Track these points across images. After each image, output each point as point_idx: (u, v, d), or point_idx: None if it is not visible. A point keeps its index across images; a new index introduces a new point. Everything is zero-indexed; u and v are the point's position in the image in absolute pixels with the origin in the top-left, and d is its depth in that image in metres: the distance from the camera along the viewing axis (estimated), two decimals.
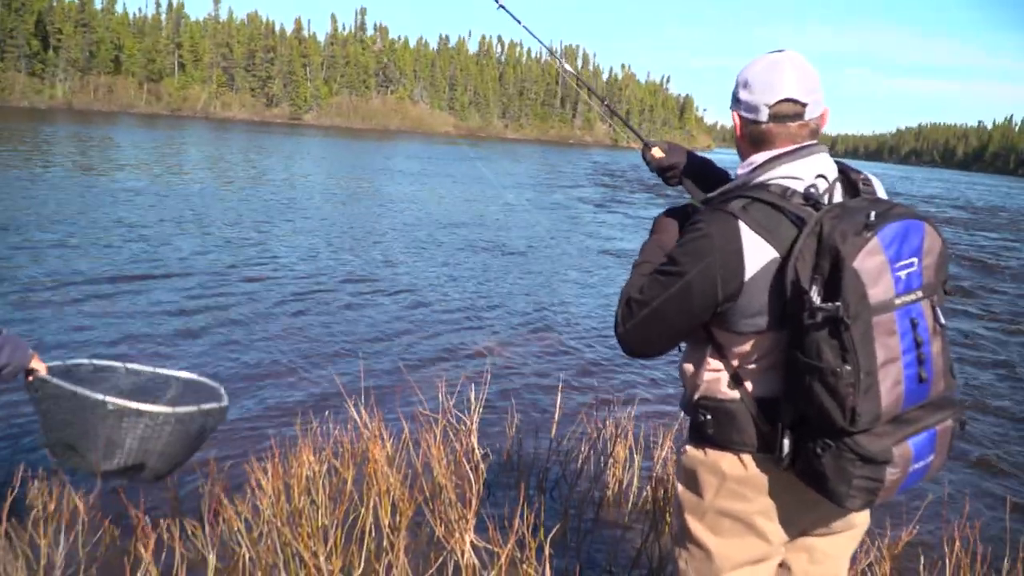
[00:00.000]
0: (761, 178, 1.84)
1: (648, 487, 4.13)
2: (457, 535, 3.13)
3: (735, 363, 1.88)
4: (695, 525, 1.98)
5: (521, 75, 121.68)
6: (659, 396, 6.32)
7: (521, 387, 6.30)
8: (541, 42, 2.87)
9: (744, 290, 1.77)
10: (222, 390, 3.39)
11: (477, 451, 4.20)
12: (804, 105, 1.84)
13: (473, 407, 4.41)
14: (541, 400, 5.96)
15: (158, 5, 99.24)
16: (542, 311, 9.40)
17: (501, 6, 2.91)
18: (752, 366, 1.86)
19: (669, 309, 1.85)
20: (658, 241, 2.09)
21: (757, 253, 1.76)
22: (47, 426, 2.96)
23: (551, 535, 3.14)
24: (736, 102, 1.92)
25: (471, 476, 3.64)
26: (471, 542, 3.08)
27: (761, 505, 1.90)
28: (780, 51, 1.89)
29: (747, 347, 1.85)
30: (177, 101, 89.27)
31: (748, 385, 1.87)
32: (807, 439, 1.75)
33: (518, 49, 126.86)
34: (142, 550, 2.86)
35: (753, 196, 1.80)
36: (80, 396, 2.83)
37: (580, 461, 4.36)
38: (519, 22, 2.93)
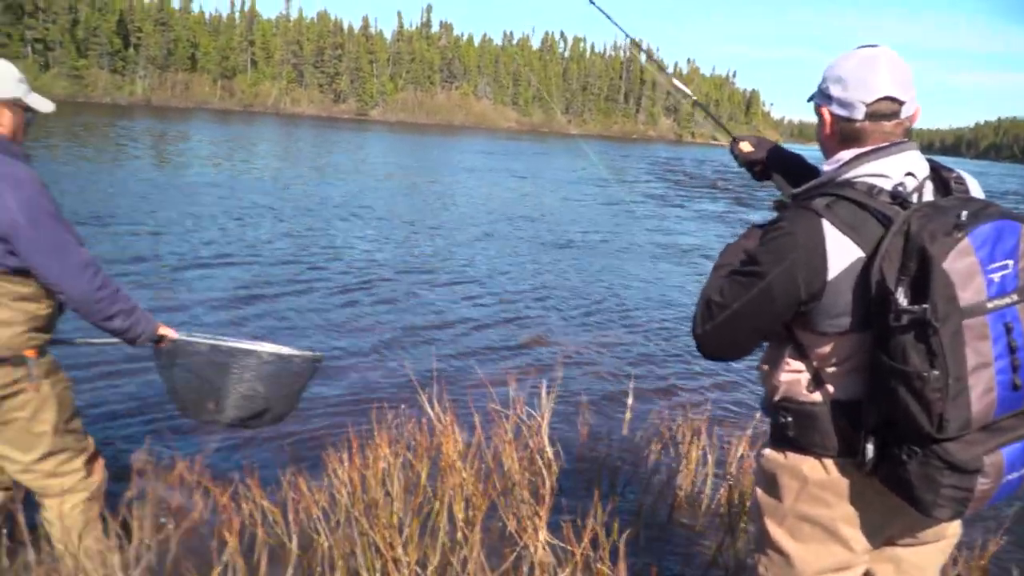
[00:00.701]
0: (847, 175, 1.80)
1: (722, 489, 4.08)
2: (530, 531, 3.14)
3: (817, 364, 1.84)
4: (775, 530, 1.95)
5: (585, 70, 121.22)
6: (732, 397, 6.23)
7: (591, 384, 6.28)
8: (628, 35, 2.85)
9: (827, 290, 1.73)
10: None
11: (548, 448, 4.20)
12: (901, 103, 1.79)
13: (544, 403, 4.42)
14: (612, 397, 5.92)
15: (232, 4, 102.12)
16: (610, 307, 9.35)
17: (592, 2, 2.89)
18: (835, 368, 1.82)
19: (750, 311, 1.81)
20: (741, 245, 2.04)
21: (841, 252, 1.72)
22: (181, 388, 3.20)
23: (625, 535, 3.12)
24: (827, 98, 1.87)
25: (544, 473, 3.64)
26: (545, 539, 3.08)
27: (844, 511, 1.85)
28: (873, 46, 1.83)
29: (830, 348, 1.80)
30: (249, 97, 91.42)
31: (830, 387, 1.83)
32: (892, 444, 1.70)
33: (582, 44, 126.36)
34: (226, 533, 2.94)
35: (838, 194, 1.76)
36: (222, 348, 3.11)
37: (652, 461, 4.33)
38: (610, 18, 2.90)
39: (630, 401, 4.69)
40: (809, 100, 2.00)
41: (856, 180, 1.78)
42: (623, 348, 7.60)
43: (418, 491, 3.43)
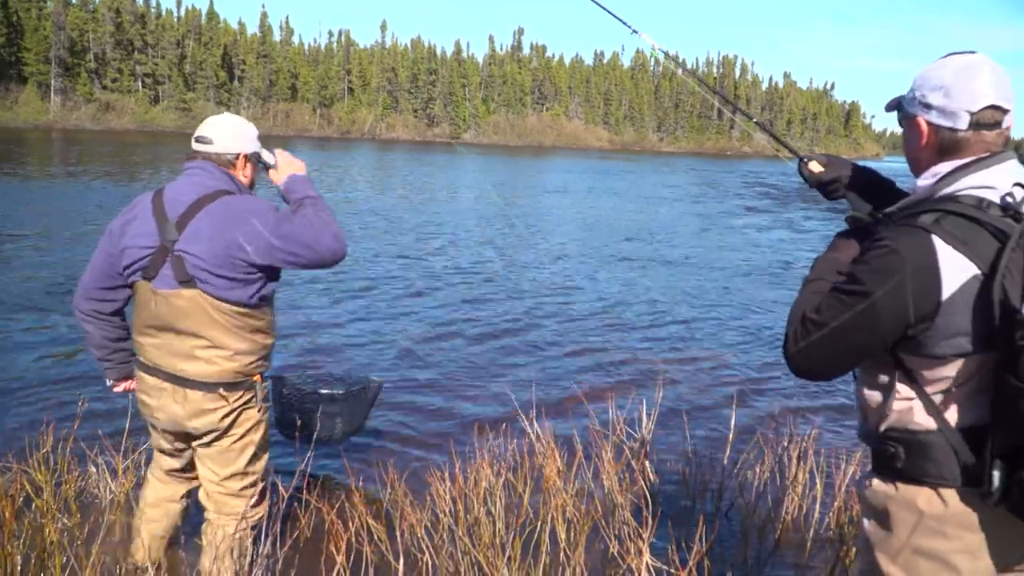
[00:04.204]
0: (948, 189, 1.72)
1: (831, 513, 3.94)
2: (634, 554, 3.09)
3: (930, 389, 1.75)
4: (888, 566, 1.85)
5: (677, 88, 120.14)
6: (839, 417, 6.01)
7: (692, 403, 6.17)
8: (686, 69, 2.79)
9: (942, 310, 1.65)
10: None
11: (650, 469, 4.15)
12: (1005, 112, 1.73)
13: (645, 424, 4.37)
14: (714, 418, 5.81)
15: (330, 35, 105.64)
16: (708, 323, 9.19)
17: (635, 31, 2.86)
18: (951, 392, 1.73)
19: (850, 330, 1.73)
20: (834, 259, 1.98)
21: (956, 270, 1.64)
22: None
23: (732, 559, 3.05)
24: (925, 108, 1.78)
25: (646, 494, 3.60)
26: (649, 562, 3.04)
27: (963, 543, 1.75)
28: (970, 53, 1.76)
29: (946, 371, 1.71)
30: (346, 124, 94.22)
31: (947, 413, 1.74)
32: (1022, 471, 1.60)
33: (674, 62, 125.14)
34: (334, 551, 3.00)
35: (944, 209, 1.69)
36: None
37: (757, 483, 4.21)
38: (658, 48, 2.85)
39: (732, 421, 4.58)
40: (890, 110, 1.93)
41: (960, 194, 1.70)
42: (724, 366, 7.45)
43: (520, 511, 3.43)
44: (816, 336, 1.77)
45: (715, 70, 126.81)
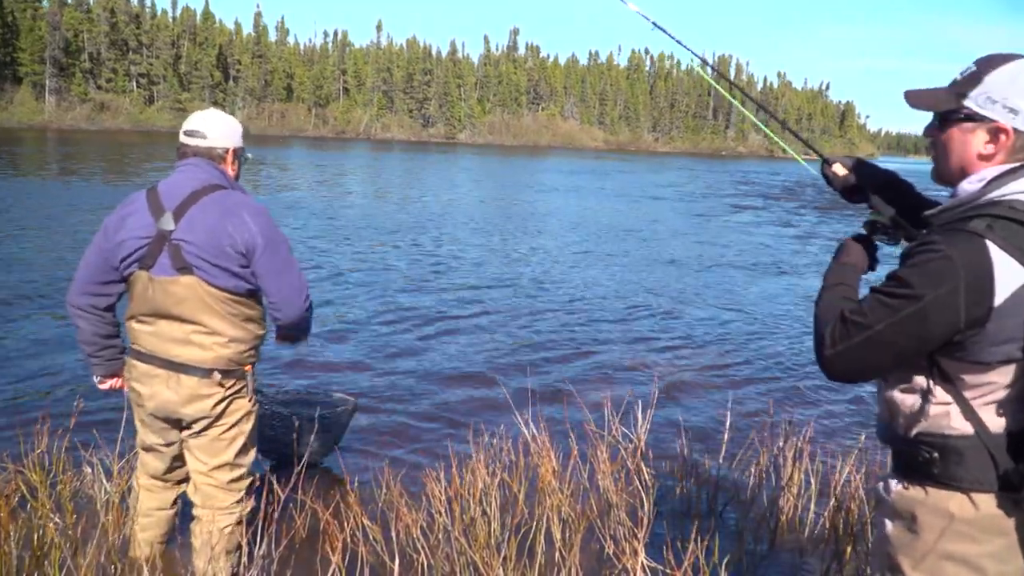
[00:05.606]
0: (996, 193, 1.69)
1: (827, 513, 3.94)
2: (629, 554, 3.10)
3: (970, 395, 1.72)
4: (912, 571, 1.83)
5: (672, 88, 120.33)
6: (835, 417, 6.03)
7: (687, 403, 6.19)
8: (702, 59, 2.79)
9: (993, 316, 1.63)
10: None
11: (645, 469, 4.15)
12: None
13: (640, 424, 4.37)
14: (709, 417, 5.83)
15: (325, 35, 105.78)
16: (703, 325, 9.20)
17: (656, 26, 2.84)
18: (994, 397, 1.71)
19: (896, 334, 1.69)
20: (850, 264, 1.97)
21: (1009, 275, 1.61)
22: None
23: (727, 559, 3.05)
24: (1011, 113, 1.70)
25: (641, 494, 3.60)
26: (644, 562, 3.04)
27: (992, 547, 1.74)
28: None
29: (990, 377, 1.70)
30: (342, 124, 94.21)
31: (987, 419, 1.72)
32: None
33: (668, 62, 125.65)
34: (329, 551, 3.00)
35: (995, 214, 1.66)
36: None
37: (752, 483, 4.22)
38: (677, 40, 2.83)
39: (728, 421, 4.58)
40: (945, 116, 1.80)
41: (1010, 199, 1.68)
42: (719, 366, 7.46)
43: (516, 512, 3.44)
44: (859, 338, 1.73)
45: (710, 71, 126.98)
